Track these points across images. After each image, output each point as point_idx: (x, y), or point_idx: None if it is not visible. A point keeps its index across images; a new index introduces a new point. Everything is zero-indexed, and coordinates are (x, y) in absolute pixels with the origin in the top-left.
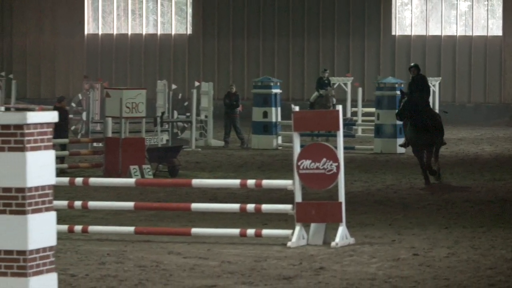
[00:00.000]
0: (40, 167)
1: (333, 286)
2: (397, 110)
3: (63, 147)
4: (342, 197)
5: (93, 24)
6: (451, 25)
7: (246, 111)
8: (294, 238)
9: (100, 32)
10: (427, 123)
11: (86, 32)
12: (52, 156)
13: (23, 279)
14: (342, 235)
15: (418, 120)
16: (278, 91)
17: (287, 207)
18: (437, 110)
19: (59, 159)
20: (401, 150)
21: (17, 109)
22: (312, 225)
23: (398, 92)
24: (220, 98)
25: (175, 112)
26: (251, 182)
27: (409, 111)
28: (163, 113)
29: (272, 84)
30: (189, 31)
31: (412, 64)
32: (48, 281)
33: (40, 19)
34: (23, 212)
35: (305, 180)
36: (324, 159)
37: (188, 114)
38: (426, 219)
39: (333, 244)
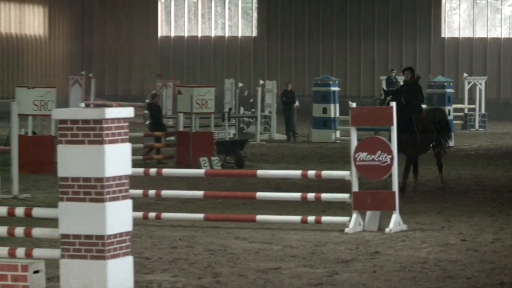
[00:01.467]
0: (117, 159)
1: (387, 269)
2: None
3: (158, 140)
4: (395, 187)
5: (166, 27)
6: (496, 28)
7: (306, 107)
8: (351, 225)
9: (172, 35)
10: (410, 125)
11: (159, 35)
12: (128, 148)
13: (101, 262)
14: (395, 222)
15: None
16: (336, 88)
17: (344, 196)
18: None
19: (156, 151)
20: (450, 143)
21: (96, 105)
22: (368, 213)
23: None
24: None
25: (241, 108)
26: (311, 172)
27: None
28: (230, 109)
29: (331, 82)
30: (254, 33)
31: (406, 66)
32: (124, 264)
33: (117, 23)
34: (102, 200)
35: (361, 171)
36: (379, 152)
37: (253, 110)
38: (473, 208)
39: (387, 230)
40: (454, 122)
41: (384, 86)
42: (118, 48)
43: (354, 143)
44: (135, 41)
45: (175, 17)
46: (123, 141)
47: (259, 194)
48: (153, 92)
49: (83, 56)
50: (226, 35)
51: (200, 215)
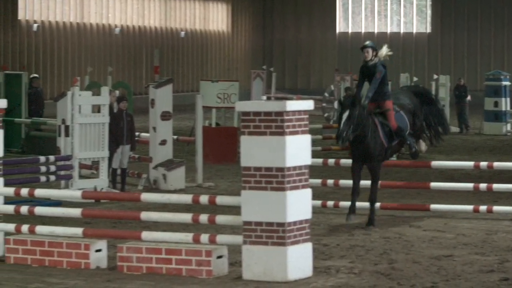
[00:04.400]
0: (297, 149)
1: None
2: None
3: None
4: None
5: (344, 23)
6: None
7: (478, 101)
8: None
9: (350, 31)
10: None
11: (337, 31)
12: (308, 139)
13: (282, 248)
14: None
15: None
16: (507, 83)
17: None
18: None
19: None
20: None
21: (277, 98)
22: None
23: None
24: None
25: None
26: (483, 164)
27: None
28: None
29: (502, 77)
30: (428, 30)
31: (366, 43)
32: (303, 250)
33: (297, 18)
34: (283, 189)
35: None
36: None
37: None
38: None
39: None
40: None
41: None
42: (298, 43)
43: None
44: (314, 36)
45: (352, 14)
46: (303, 132)
47: (433, 184)
48: (346, 86)
49: (264, 50)
50: (402, 31)
51: (376, 204)
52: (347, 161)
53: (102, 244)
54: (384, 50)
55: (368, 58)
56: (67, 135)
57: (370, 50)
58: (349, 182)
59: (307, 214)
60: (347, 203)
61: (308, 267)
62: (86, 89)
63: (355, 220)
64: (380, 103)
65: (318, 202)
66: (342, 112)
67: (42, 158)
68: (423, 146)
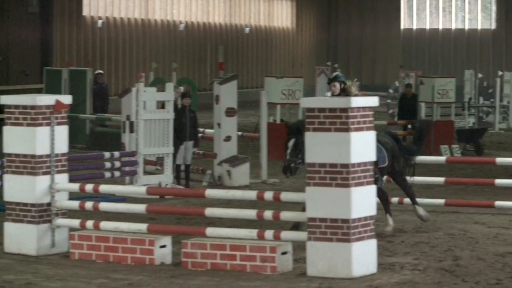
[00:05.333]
0: (362, 146)
1: None
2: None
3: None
4: None
5: (408, 20)
6: None
7: None
8: None
9: (414, 27)
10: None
11: (402, 27)
12: (372, 136)
13: (346, 244)
14: None
15: None
16: None
17: None
18: None
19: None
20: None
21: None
22: None
23: None
24: None
25: (481, 98)
26: None
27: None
28: (470, 99)
29: None
30: (493, 26)
31: (334, 74)
32: (368, 246)
33: (361, 15)
34: (347, 186)
35: None
36: None
37: (492, 100)
38: None
39: None
40: None
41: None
42: (362, 39)
43: None
44: (378, 32)
45: (417, 11)
46: (368, 129)
47: (498, 181)
48: (407, 82)
49: (329, 47)
50: (466, 28)
51: (441, 201)
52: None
53: (167, 240)
54: (353, 89)
55: (335, 93)
56: (131, 131)
57: (337, 85)
58: (416, 178)
59: (372, 211)
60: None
61: (372, 264)
62: (150, 85)
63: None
64: None
65: None
66: (288, 139)
67: (107, 154)
68: (390, 223)
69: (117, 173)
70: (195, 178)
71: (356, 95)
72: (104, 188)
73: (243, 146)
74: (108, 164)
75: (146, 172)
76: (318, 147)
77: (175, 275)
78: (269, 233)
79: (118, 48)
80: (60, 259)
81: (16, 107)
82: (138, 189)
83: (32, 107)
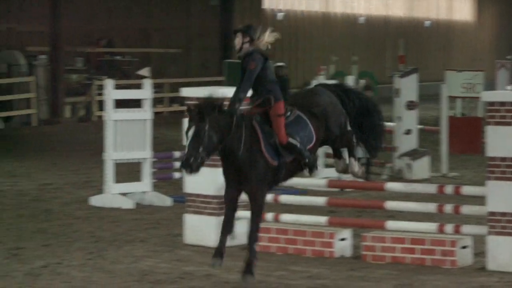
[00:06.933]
0: None
1: None
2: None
3: None
4: None
5: None
6: None
7: None
8: None
9: None
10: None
11: None
12: None
13: None
14: None
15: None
16: None
17: None
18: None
19: None
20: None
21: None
22: None
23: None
24: None
25: None
26: None
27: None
28: None
29: None
30: None
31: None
32: None
33: None
34: None
35: None
36: None
37: None
38: None
39: None
40: None
41: None
42: None
43: None
44: None
45: None
46: None
47: None
48: None
49: (510, 41)
50: None
51: None
52: None
53: (347, 233)
54: (267, 35)
55: (237, 47)
56: None
57: (240, 35)
58: None
59: None
60: None
61: None
62: (331, 78)
63: (221, 265)
64: (267, 106)
65: None
66: (188, 128)
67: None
68: (356, 166)
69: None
70: (374, 171)
71: (268, 44)
72: None
73: (423, 139)
74: None
75: (326, 165)
76: (499, 141)
77: (354, 268)
78: (449, 227)
79: (298, 41)
80: (239, 251)
81: (197, 99)
82: (318, 182)
83: None
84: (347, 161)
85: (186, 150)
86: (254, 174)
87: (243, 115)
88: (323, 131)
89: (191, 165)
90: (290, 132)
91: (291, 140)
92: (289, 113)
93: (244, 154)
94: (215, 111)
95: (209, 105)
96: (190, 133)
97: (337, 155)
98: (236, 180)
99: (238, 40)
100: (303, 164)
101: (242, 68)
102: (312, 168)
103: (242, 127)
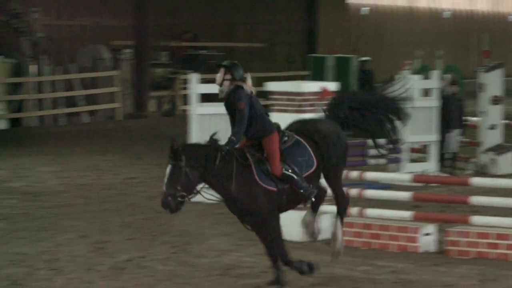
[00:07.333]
0: None
1: None
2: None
3: None
4: None
5: None
6: None
7: None
8: None
9: None
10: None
11: None
12: None
13: None
14: None
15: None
16: None
17: None
18: None
19: None
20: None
21: None
22: None
23: None
24: None
25: None
26: None
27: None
28: None
29: None
30: None
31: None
32: None
33: None
34: None
35: None
36: None
37: None
38: None
39: None
40: None
41: None
42: None
43: None
44: None
45: None
46: None
47: None
48: None
49: None
50: None
51: None
52: None
53: (431, 228)
54: (249, 80)
55: (217, 81)
56: None
57: (223, 71)
58: None
59: None
60: None
61: None
62: (416, 72)
63: None
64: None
65: None
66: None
67: (371, 142)
68: (338, 242)
69: (381, 161)
70: (459, 166)
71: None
72: (369, 175)
73: (509, 134)
74: (372, 151)
75: (412, 160)
76: None
77: (438, 263)
78: None
79: (382, 36)
80: (324, 245)
81: (283, 93)
82: (403, 177)
83: (298, 94)
84: (320, 223)
85: (164, 189)
86: (254, 206)
87: (231, 150)
88: (323, 159)
89: (170, 205)
90: (287, 157)
91: (285, 172)
92: (286, 139)
93: (238, 188)
94: (195, 148)
95: (187, 148)
96: (167, 171)
97: (313, 206)
98: (239, 215)
99: (220, 76)
100: (299, 194)
101: (228, 108)
102: (307, 200)
103: (233, 161)
